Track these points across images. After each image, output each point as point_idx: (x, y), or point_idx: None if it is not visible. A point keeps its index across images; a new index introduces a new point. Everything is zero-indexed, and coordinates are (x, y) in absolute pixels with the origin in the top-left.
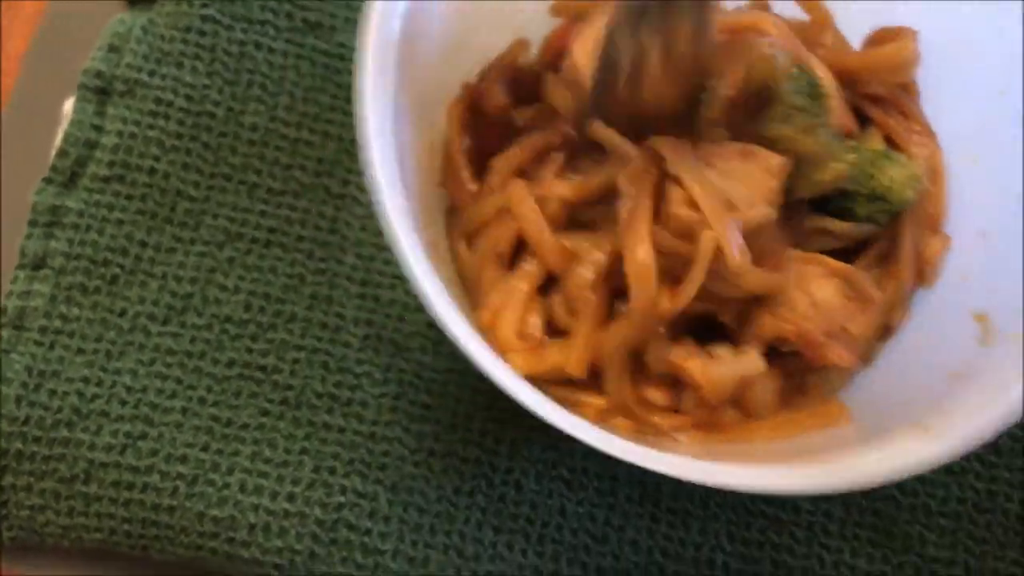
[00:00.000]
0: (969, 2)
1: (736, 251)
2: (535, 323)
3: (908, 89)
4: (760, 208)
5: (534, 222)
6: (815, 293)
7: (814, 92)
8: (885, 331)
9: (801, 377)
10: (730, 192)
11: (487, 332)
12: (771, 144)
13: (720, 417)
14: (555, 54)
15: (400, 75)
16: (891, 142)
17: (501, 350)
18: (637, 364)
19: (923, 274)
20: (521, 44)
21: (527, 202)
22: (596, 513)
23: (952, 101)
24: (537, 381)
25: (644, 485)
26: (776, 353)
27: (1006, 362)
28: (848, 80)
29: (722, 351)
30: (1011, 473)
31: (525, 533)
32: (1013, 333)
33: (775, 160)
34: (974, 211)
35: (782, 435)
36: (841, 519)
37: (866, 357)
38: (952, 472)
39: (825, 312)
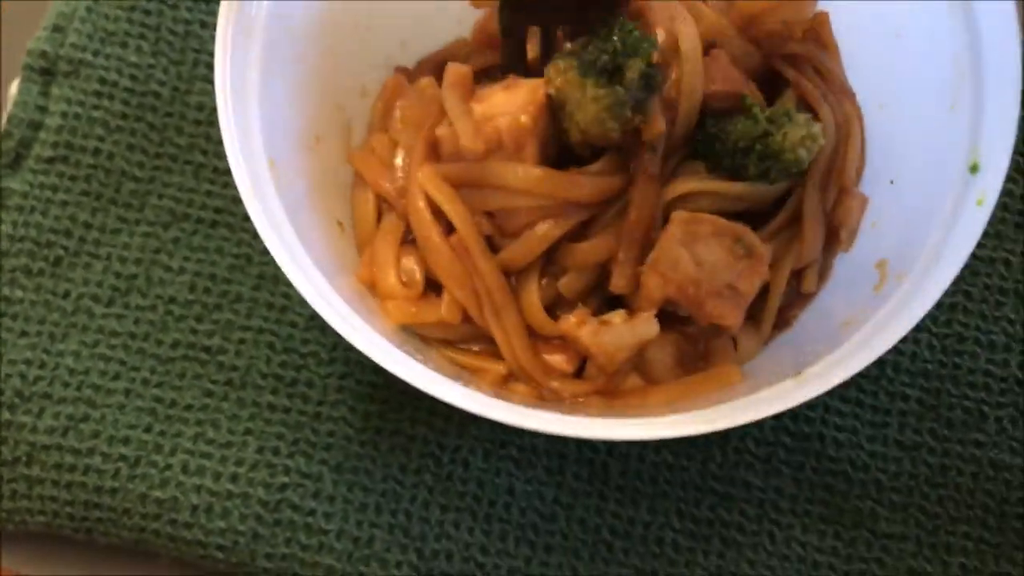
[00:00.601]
0: None
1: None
2: (413, 270)
3: (827, 47)
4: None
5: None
6: (701, 252)
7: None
8: (802, 299)
9: (705, 343)
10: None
11: (371, 288)
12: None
13: (621, 383)
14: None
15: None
16: (803, 102)
17: (382, 300)
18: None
19: (839, 236)
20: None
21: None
22: (544, 492)
23: (854, 49)
24: (433, 343)
25: (592, 463)
26: (675, 318)
27: (887, 304)
28: (754, 27)
29: (615, 317)
30: (963, 447)
31: (472, 512)
32: (899, 274)
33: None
34: (884, 159)
35: (679, 398)
36: (792, 495)
37: (780, 323)
38: (904, 447)
39: (711, 271)
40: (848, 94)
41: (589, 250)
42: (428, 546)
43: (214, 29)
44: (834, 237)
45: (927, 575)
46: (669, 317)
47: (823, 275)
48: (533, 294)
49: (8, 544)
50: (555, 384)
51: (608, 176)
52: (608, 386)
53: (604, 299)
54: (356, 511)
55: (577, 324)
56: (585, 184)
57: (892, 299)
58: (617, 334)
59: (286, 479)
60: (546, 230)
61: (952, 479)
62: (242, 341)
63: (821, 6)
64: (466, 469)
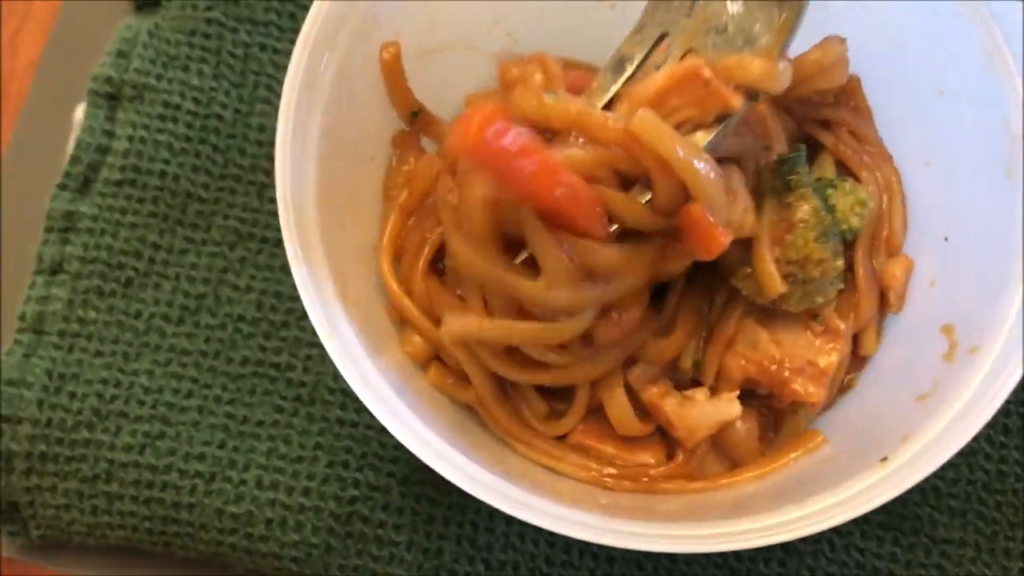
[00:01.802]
0: (899, 2)
1: None
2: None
3: (860, 111)
4: None
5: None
6: (778, 331)
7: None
8: (859, 361)
9: (774, 416)
10: None
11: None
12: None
13: (705, 466)
14: None
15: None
16: (842, 167)
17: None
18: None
19: (887, 299)
20: None
21: None
22: None
23: (895, 107)
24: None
25: None
26: (752, 395)
27: (965, 382)
28: (786, 95)
29: (699, 394)
30: (1021, 453)
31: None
32: (972, 347)
33: None
34: (934, 216)
35: (769, 474)
36: None
37: (842, 387)
38: (962, 453)
39: (790, 349)
40: (885, 156)
41: (666, 346)
42: (495, 557)
43: (273, 52)
44: (884, 300)
45: None
46: (748, 395)
47: (878, 337)
48: (622, 397)
49: (85, 557)
50: (644, 461)
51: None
52: (691, 469)
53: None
54: (424, 523)
55: (660, 395)
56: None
57: (970, 376)
58: (701, 410)
59: (356, 492)
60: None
61: (1010, 484)
62: (309, 358)
63: (855, 61)
64: None
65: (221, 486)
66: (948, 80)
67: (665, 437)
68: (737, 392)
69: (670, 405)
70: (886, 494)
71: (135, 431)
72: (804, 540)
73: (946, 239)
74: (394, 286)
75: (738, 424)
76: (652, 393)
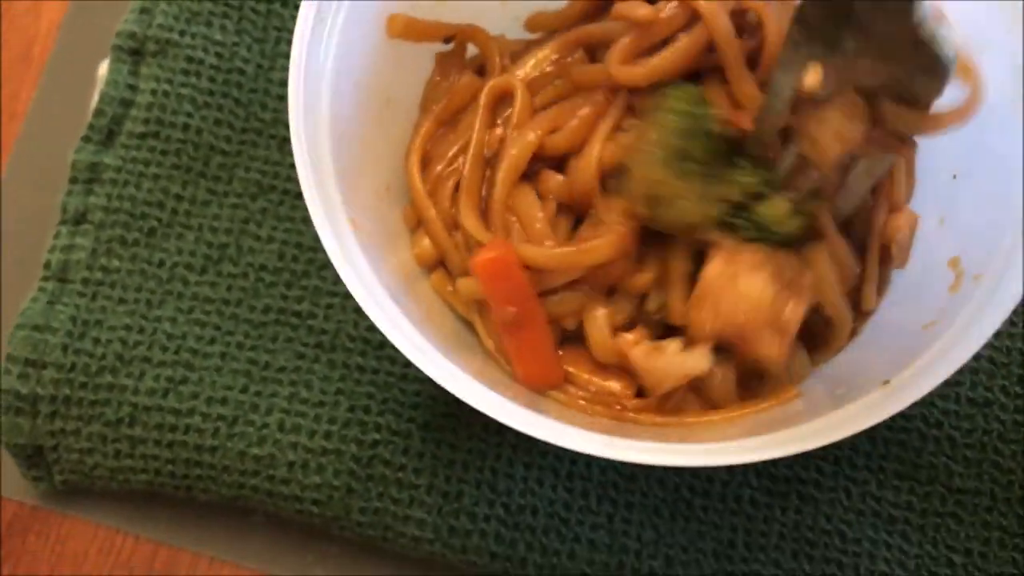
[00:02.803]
0: None
1: None
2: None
3: None
4: None
5: None
6: (743, 287)
7: None
8: (862, 316)
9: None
10: None
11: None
12: None
13: (680, 404)
14: None
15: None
16: None
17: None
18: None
19: (890, 253)
20: None
21: None
22: None
23: None
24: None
25: None
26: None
27: (968, 307)
28: None
29: (671, 344)
30: None
31: (554, 469)
32: (976, 275)
33: None
34: (941, 155)
35: (739, 421)
36: (867, 452)
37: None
38: (976, 404)
39: (755, 305)
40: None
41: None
42: (514, 501)
43: (294, 8)
44: (887, 254)
45: (1002, 528)
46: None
47: (881, 291)
48: (602, 321)
49: (106, 503)
50: (619, 395)
51: None
52: (665, 406)
53: (665, 328)
54: (444, 467)
55: (632, 343)
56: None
57: (973, 300)
58: (667, 362)
59: (377, 436)
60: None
61: None
62: (330, 306)
63: None
64: None
65: (244, 429)
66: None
67: None
68: (710, 345)
69: (638, 354)
70: (887, 411)
71: (158, 376)
72: (820, 488)
73: (954, 177)
74: (418, 183)
75: (714, 370)
76: (625, 341)
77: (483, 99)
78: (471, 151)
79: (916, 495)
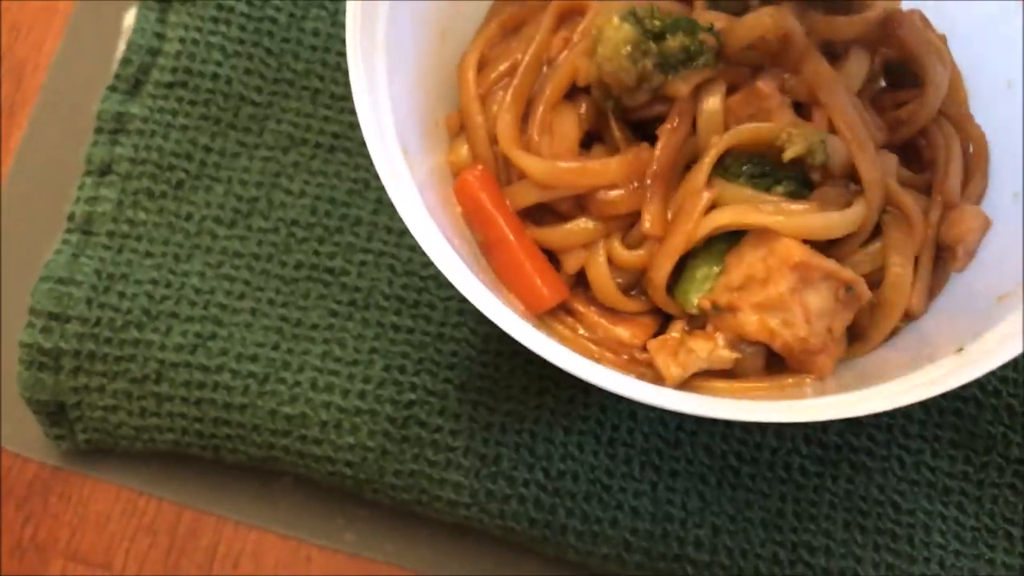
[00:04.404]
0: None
1: None
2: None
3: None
4: None
5: None
6: (810, 301)
7: None
8: (908, 317)
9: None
10: None
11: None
12: None
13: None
14: None
15: None
16: None
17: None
18: None
19: (954, 254)
20: None
21: None
22: (667, 418)
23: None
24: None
25: None
26: None
27: None
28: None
29: (701, 349)
30: None
31: (596, 435)
32: None
33: None
34: (1015, 128)
35: (752, 395)
36: (921, 420)
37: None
38: None
39: (818, 320)
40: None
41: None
42: (554, 466)
43: None
44: (949, 255)
45: None
46: None
47: (934, 293)
48: (602, 262)
49: (129, 465)
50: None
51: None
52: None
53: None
54: (482, 429)
55: (659, 346)
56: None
57: None
58: (693, 362)
59: (413, 396)
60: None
61: None
62: (363, 263)
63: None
64: (587, 394)
65: (275, 387)
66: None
67: (658, 317)
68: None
69: (662, 362)
70: (959, 379)
71: (186, 331)
72: (872, 457)
73: None
74: (471, 84)
75: (750, 355)
76: (653, 344)
77: (553, 5)
78: (531, 52)
79: (972, 465)
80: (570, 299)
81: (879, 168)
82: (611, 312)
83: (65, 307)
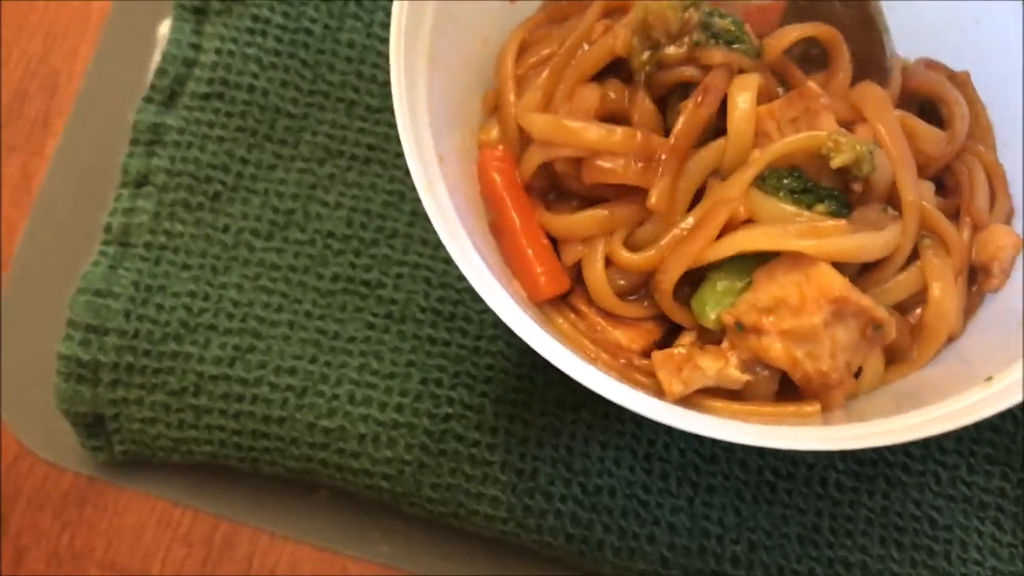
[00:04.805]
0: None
1: None
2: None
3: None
4: None
5: None
6: (839, 335)
7: None
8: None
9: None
10: None
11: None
12: None
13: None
14: None
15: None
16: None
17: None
18: None
19: (989, 272)
20: None
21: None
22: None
23: None
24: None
25: None
26: None
27: None
28: None
29: (709, 367)
30: None
31: (632, 451)
32: None
33: None
34: None
35: (754, 419)
36: (957, 436)
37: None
38: None
39: (842, 354)
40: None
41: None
42: (591, 481)
43: None
44: (983, 275)
45: None
46: None
47: (969, 313)
48: (598, 264)
49: (164, 476)
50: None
51: None
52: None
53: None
54: (519, 444)
55: (663, 360)
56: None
57: None
58: (698, 379)
59: (450, 410)
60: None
61: None
62: (399, 276)
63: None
64: (622, 409)
65: (313, 400)
66: None
67: (662, 324)
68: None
69: (664, 377)
70: (986, 410)
71: (224, 344)
72: (909, 472)
73: None
74: (509, 64)
75: (763, 379)
76: (658, 357)
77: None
78: (574, 36)
79: (1009, 481)
80: (575, 294)
81: (918, 191)
82: (608, 314)
83: (103, 319)
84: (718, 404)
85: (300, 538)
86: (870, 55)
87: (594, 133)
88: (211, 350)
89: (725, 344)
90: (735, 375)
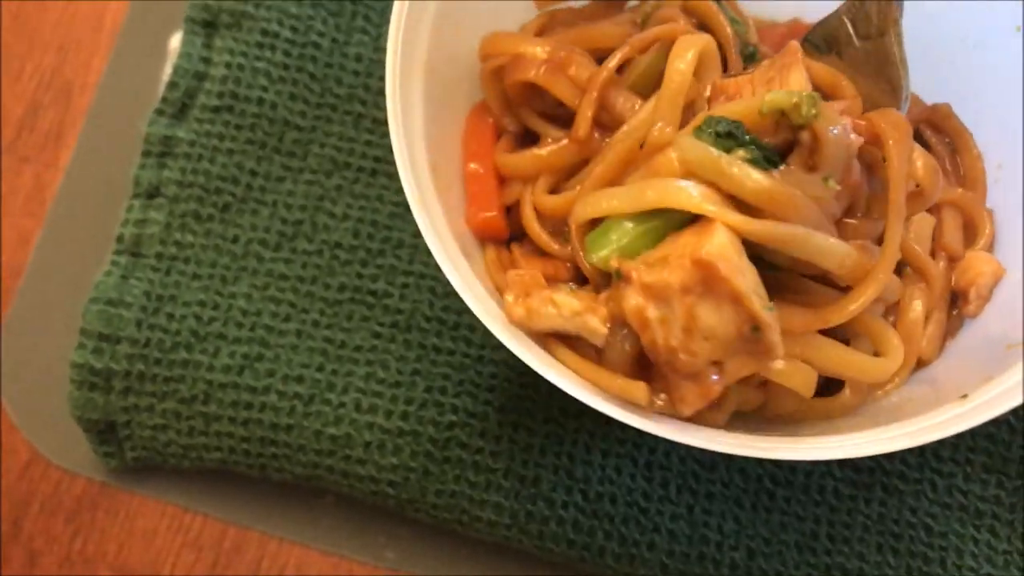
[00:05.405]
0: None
1: None
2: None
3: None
4: None
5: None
6: (702, 313)
7: None
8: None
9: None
10: None
11: None
12: None
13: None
14: None
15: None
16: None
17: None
18: None
19: (966, 298)
20: None
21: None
22: None
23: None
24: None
25: None
26: None
27: None
28: None
29: (564, 300)
30: None
31: (633, 458)
32: None
33: None
34: None
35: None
36: (954, 444)
37: None
38: None
39: (703, 339)
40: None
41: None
42: (592, 488)
43: None
44: (963, 299)
45: None
46: None
47: (947, 337)
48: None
49: (175, 482)
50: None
51: None
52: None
53: None
54: (521, 451)
55: (514, 280)
56: None
57: None
58: (545, 315)
59: (454, 418)
60: None
61: None
62: (405, 285)
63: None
64: None
65: (320, 408)
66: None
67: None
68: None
69: (511, 291)
70: (958, 426)
71: (233, 352)
72: (905, 480)
73: None
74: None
75: (738, 390)
76: (509, 275)
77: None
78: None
79: (1004, 489)
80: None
81: (903, 229)
82: (542, 254)
83: (115, 328)
84: (568, 355)
85: (307, 543)
86: (888, 94)
87: (524, 42)
88: (220, 358)
89: (604, 294)
90: (594, 325)
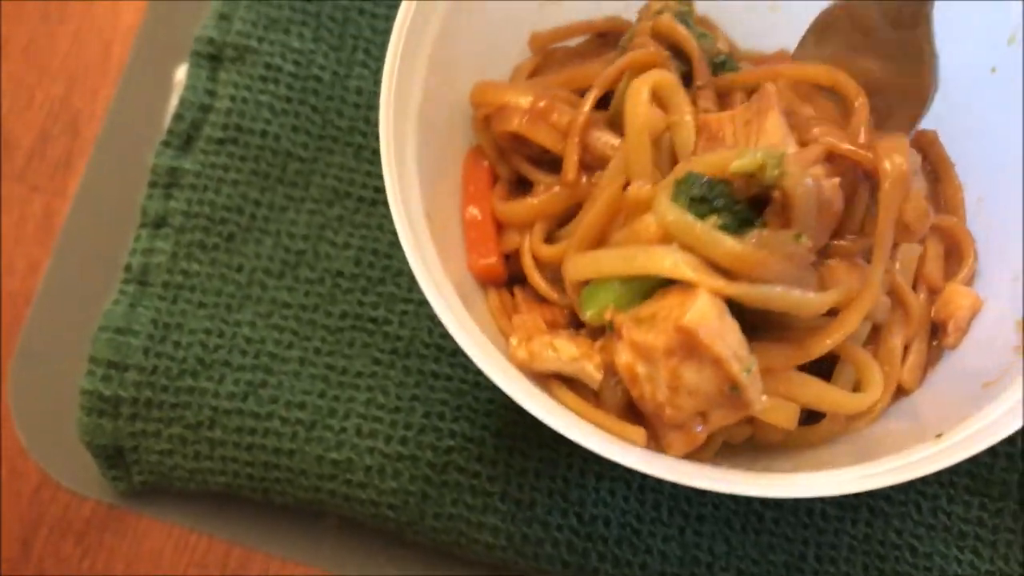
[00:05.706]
0: None
1: None
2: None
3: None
4: None
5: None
6: (685, 373)
7: None
8: (902, 392)
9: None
10: None
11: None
12: None
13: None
14: None
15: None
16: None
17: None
18: None
19: (945, 330)
20: None
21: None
22: None
23: None
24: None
25: None
26: None
27: None
28: None
29: (564, 351)
30: None
31: (626, 481)
32: None
33: None
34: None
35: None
36: None
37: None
38: None
39: (686, 396)
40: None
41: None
42: (587, 511)
43: (371, 16)
44: (942, 331)
45: None
46: None
47: (927, 369)
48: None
49: (181, 504)
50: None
51: None
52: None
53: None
54: (517, 475)
55: (520, 324)
56: None
57: None
58: (547, 358)
59: (452, 442)
60: None
61: None
62: (405, 313)
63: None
64: None
65: (321, 434)
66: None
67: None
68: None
69: (517, 335)
70: (931, 466)
71: (238, 379)
72: (891, 502)
73: None
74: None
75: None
76: (516, 319)
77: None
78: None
79: (987, 511)
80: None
81: (887, 260)
82: (542, 300)
83: (124, 356)
84: (568, 396)
85: (310, 564)
86: (915, 87)
87: (508, 92)
88: (225, 385)
89: (600, 342)
90: (590, 371)
